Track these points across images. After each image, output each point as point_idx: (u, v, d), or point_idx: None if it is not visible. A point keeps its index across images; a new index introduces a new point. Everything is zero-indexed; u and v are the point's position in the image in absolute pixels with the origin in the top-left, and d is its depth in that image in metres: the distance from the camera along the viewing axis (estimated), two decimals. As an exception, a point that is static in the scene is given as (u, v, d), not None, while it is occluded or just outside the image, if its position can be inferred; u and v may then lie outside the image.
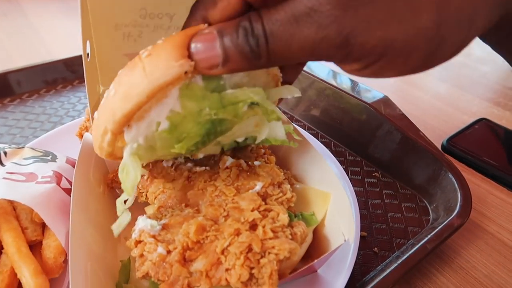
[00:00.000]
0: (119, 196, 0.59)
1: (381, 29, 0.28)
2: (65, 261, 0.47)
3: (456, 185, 0.62)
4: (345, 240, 0.42)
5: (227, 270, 0.37)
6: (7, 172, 0.51)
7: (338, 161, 0.68)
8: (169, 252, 0.39)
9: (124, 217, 0.40)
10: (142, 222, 0.42)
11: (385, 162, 0.73)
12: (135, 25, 0.45)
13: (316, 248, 0.48)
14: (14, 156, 0.59)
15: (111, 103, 0.37)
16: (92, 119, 0.47)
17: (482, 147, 0.81)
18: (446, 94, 1.07)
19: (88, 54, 0.52)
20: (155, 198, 0.48)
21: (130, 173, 0.39)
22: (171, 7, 0.46)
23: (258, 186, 0.46)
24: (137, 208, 0.50)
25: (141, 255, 0.40)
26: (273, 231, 0.39)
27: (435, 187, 0.66)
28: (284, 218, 0.41)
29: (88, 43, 0.50)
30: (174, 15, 0.47)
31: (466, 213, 0.58)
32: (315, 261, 0.42)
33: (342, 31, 0.28)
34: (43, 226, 0.50)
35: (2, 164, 0.57)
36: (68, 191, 0.53)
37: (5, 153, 0.59)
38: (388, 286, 0.49)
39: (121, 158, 0.41)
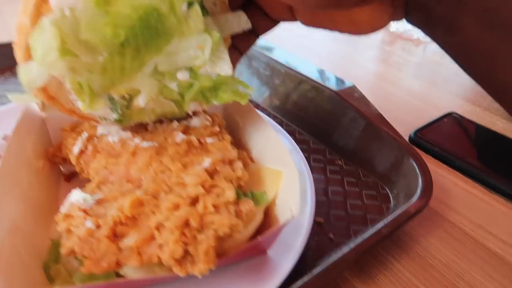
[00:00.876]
0: (59, 173, 0.56)
1: None
2: None
3: (417, 170, 0.60)
4: (292, 216, 0.40)
5: (159, 246, 0.35)
6: None
7: (301, 149, 0.66)
8: (98, 226, 0.36)
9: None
10: (75, 196, 0.40)
11: (349, 150, 0.71)
12: None
13: (267, 228, 0.45)
14: None
15: None
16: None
17: (450, 140, 0.80)
18: (419, 90, 1.07)
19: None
20: (96, 174, 0.45)
21: (44, 36, 0.33)
22: None
23: (207, 162, 0.43)
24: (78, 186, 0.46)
25: (68, 230, 0.37)
26: (214, 206, 0.37)
27: (397, 174, 0.64)
28: (229, 194, 0.39)
29: None
30: None
31: (426, 198, 0.56)
32: (260, 237, 0.39)
33: None
34: None
35: None
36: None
37: None
38: (340, 271, 0.46)
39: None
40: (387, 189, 0.66)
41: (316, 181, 0.60)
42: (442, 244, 0.58)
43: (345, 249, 0.48)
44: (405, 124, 0.88)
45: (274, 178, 0.47)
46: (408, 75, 1.16)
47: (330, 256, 0.50)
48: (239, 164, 0.45)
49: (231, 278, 0.43)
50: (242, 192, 0.43)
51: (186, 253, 0.34)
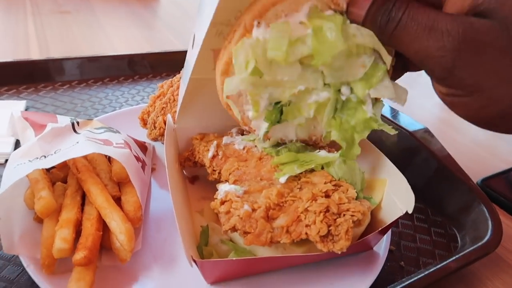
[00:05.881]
0: (184, 175, 0.70)
1: (485, 80, 0.36)
2: (142, 215, 0.57)
3: (487, 214, 0.66)
4: (403, 213, 0.51)
5: (307, 226, 0.46)
6: (86, 137, 0.59)
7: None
8: (254, 210, 0.48)
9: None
10: (226, 187, 0.52)
11: (419, 189, 0.77)
12: (227, 24, 0.52)
13: (373, 229, 0.55)
14: (86, 126, 0.68)
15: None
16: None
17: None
18: (485, 141, 1.10)
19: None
20: (229, 174, 0.57)
21: (243, 53, 0.46)
22: None
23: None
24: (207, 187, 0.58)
25: (228, 212, 0.49)
26: (347, 198, 0.49)
27: (466, 218, 0.70)
28: (352, 192, 0.50)
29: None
30: None
31: (496, 240, 0.62)
32: (379, 229, 0.52)
33: (456, 62, 0.36)
34: (119, 184, 0.60)
35: (76, 132, 0.66)
36: (137, 158, 0.61)
37: (77, 123, 0.68)
38: None
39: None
40: (455, 230, 0.72)
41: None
42: (507, 288, 0.62)
43: (415, 278, 0.54)
44: (469, 171, 0.92)
45: (379, 186, 0.59)
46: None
47: (402, 282, 0.56)
48: None
49: (344, 267, 0.56)
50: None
51: (328, 232, 0.45)
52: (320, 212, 0.46)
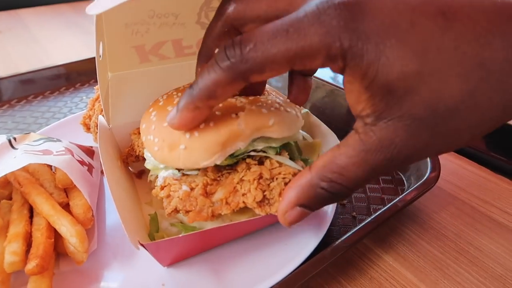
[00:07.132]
0: (129, 169, 0.71)
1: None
2: (93, 216, 0.58)
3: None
4: None
5: (243, 194, 0.48)
6: (24, 150, 0.59)
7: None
8: (192, 189, 0.50)
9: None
10: (164, 173, 0.53)
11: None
12: (143, 23, 0.52)
13: None
14: (23, 140, 0.67)
15: (154, 154, 0.51)
16: (103, 101, 0.59)
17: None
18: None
19: (100, 55, 0.59)
20: None
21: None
22: (176, 7, 0.52)
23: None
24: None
25: (168, 196, 0.51)
26: (278, 163, 0.50)
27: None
28: (285, 155, 0.52)
29: (100, 44, 0.57)
30: (178, 15, 0.53)
31: (435, 173, 0.67)
32: None
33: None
34: (65, 191, 0.60)
35: (14, 148, 0.64)
36: (81, 163, 0.61)
37: (15, 139, 0.67)
38: (359, 239, 0.57)
39: None
40: (400, 174, 0.75)
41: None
42: (453, 218, 0.67)
43: (366, 221, 0.57)
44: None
45: (314, 147, 0.61)
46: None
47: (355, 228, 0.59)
48: None
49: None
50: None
51: (264, 197, 0.47)
52: (254, 179, 0.47)
